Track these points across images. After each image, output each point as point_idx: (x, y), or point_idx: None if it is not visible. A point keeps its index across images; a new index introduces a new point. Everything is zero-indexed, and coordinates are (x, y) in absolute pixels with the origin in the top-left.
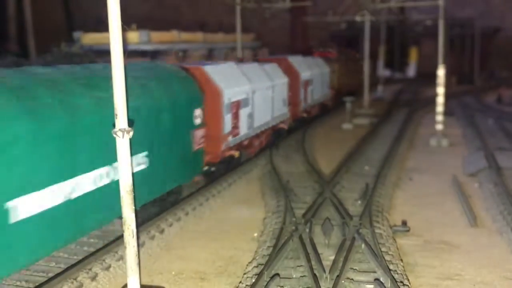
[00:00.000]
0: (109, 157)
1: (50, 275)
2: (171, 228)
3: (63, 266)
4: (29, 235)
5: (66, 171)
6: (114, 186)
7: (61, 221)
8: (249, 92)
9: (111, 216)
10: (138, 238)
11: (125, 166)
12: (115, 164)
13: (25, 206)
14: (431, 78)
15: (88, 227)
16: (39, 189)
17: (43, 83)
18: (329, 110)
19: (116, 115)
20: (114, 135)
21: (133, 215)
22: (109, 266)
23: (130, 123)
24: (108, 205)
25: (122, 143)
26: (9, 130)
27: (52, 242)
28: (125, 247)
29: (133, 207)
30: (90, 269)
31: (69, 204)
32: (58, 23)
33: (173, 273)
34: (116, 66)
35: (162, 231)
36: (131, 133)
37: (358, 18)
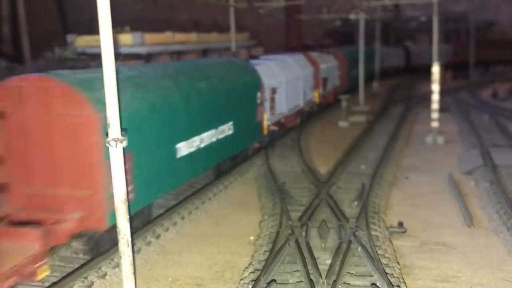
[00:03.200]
0: (214, 125)
1: (46, 284)
2: (167, 233)
3: (58, 275)
4: (183, 166)
5: (196, 132)
6: (215, 145)
7: (194, 160)
8: None
9: (212, 163)
10: (133, 245)
11: (119, 176)
12: (219, 128)
13: (181, 149)
14: (426, 73)
15: (204, 168)
16: (185, 140)
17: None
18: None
19: (109, 124)
20: (107, 145)
21: (128, 225)
22: (105, 274)
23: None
24: (210, 156)
25: (116, 153)
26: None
27: (191, 172)
28: (120, 257)
29: (128, 217)
30: (86, 278)
31: (198, 151)
32: (53, 24)
33: (170, 279)
34: (108, 71)
35: (158, 236)
36: (124, 142)
37: (352, 16)
